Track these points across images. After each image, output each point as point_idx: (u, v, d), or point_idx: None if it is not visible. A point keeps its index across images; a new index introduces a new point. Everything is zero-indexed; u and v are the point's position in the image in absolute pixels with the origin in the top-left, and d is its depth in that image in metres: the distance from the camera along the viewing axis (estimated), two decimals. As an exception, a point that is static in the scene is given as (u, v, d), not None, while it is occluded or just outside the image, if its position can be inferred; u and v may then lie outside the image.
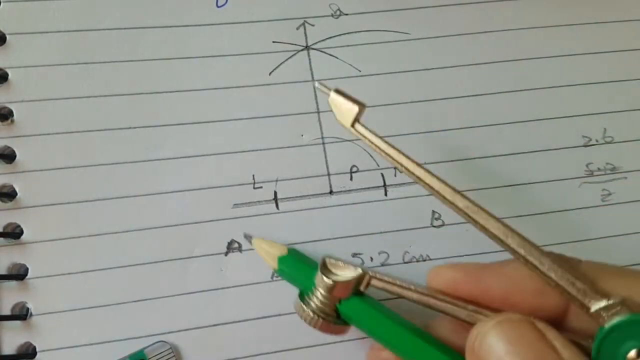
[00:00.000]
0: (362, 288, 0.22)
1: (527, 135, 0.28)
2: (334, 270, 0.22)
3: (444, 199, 0.21)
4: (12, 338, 0.25)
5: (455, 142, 0.28)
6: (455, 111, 0.28)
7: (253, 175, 0.27)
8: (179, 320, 0.26)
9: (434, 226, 0.27)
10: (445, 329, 0.22)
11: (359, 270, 0.22)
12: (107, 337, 0.25)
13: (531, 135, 0.28)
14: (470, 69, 0.29)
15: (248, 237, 0.26)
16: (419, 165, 0.22)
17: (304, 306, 0.23)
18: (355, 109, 0.22)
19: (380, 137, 0.22)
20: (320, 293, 0.22)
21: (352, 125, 0.22)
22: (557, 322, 0.20)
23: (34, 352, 0.25)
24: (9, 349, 0.25)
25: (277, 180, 0.27)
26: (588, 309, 0.19)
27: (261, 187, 0.27)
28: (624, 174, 0.29)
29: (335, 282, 0.22)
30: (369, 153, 0.28)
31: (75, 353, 0.25)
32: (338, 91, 0.22)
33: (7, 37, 0.26)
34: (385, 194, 0.27)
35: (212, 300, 0.26)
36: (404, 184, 0.28)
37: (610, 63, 0.29)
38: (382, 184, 0.27)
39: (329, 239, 0.27)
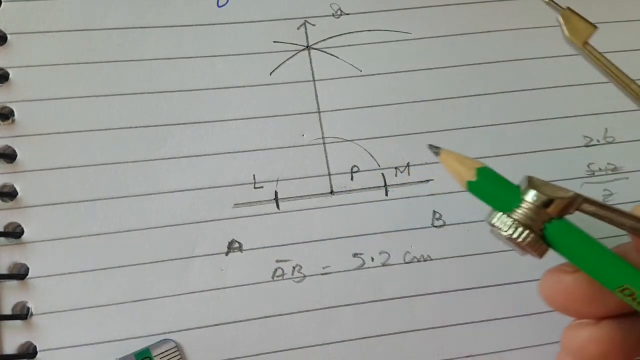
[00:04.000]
0: (572, 211, 0.21)
1: (528, 136, 0.28)
2: (542, 189, 0.21)
3: None
4: (13, 338, 0.25)
5: (457, 142, 0.28)
6: (456, 111, 0.28)
7: (254, 175, 0.27)
8: (180, 320, 0.26)
9: (435, 226, 0.27)
10: (637, 255, 0.21)
11: (571, 192, 0.21)
12: (107, 337, 0.25)
13: (532, 136, 0.28)
14: (471, 69, 0.29)
15: (435, 149, 0.23)
16: None
17: (507, 220, 0.21)
18: (590, 28, 0.22)
19: (610, 61, 0.22)
20: (529, 209, 0.21)
21: (584, 45, 0.22)
22: None
23: (34, 352, 0.25)
24: (10, 348, 0.25)
25: (277, 180, 0.27)
26: None
27: (262, 187, 0.27)
28: (626, 174, 0.29)
29: (552, 198, 0.21)
30: (369, 153, 0.28)
31: (76, 353, 0.25)
32: (570, 9, 0.23)
33: (8, 37, 0.26)
34: (386, 194, 0.27)
35: (212, 299, 0.26)
36: (404, 184, 0.28)
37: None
38: (383, 184, 0.27)
39: (330, 239, 0.27)
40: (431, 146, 0.23)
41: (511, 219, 0.21)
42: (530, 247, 0.21)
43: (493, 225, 0.22)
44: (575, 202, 0.21)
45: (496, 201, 0.22)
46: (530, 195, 0.21)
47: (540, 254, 0.21)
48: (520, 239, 0.21)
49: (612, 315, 0.21)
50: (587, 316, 0.22)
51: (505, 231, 0.21)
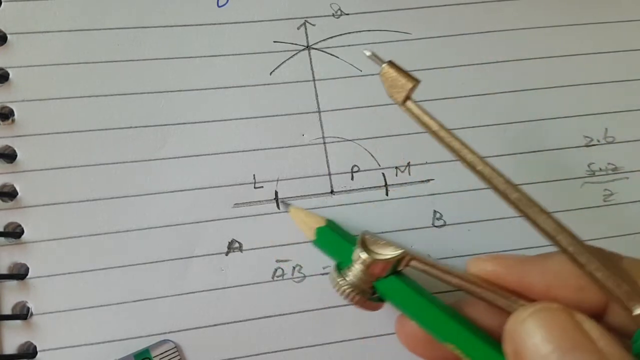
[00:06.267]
0: (400, 268, 0.22)
1: (528, 136, 0.28)
2: (372, 248, 0.22)
3: (495, 188, 0.20)
4: (13, 337, 0.25)
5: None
6: (457, 111, 0.28)
7: (254, 175, 0.27)
8: (180, 320, 0.26)
9: (435, 226, 0.27)
10: (477, 309, 0.22)
11: (399, 250, 0.22)
12: (107, 337, 0.25)
13: (533, 136, 0.28)
14: (471, 69, 0.29)
15: (285, 205, 0.26)
16: (472, 151, 0.21)
17: (339, 281, 0.22)
18: (408, 84, 0.21)
19: (433, 118, 0.21)
20: (357, 269, 0.22)
21: (404, 103, 0.21)
22: (596, 318, 0.20)
23: (34, 352, 0.25)
24: (10, 348, 0.25)
25: (278, 180, 0.27)
26: (630, 311, 0.19)
27: (262, 187, 0.27)
28: (626, 174, 0.29)
29: (375, 259, 0.22)
30: (370, 153, 0.28)
31: (76, 353, 0.25)
32: (392, 63, 0.21)
33: (8, 36, 0.27)
34: (387, 194, 0.27)
35: (212, 300, 0.26)
36: (405, 183, 0.28)
37: (611, 63, 0.29)
38: (384, 183, 0.27)
39: (330, 239, 0.27)
40: (282, 202, 0.26)
41: (342, 278, 0.22)
42: (359, 305, 0.22)
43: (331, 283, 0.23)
44: (403, 260, 0.22)
45: (336, 258, 0.24)
46: (359, 257, 0.22)
47: (373, 309, 0.23)
48: (349, 300, 0.22)
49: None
50: (434, 359, 0.23)
51: (336, 290, 0.22)
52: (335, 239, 0.24)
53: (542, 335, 0.18)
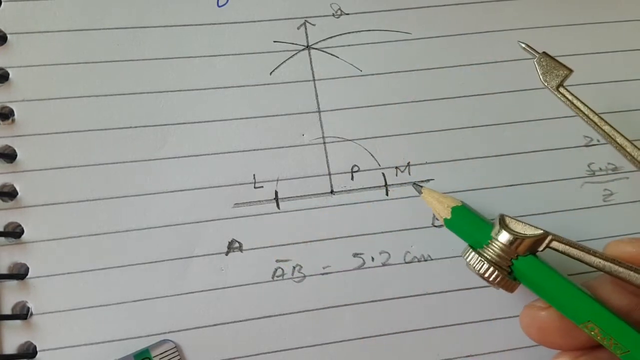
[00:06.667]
0: (540, 248, 0.23)
1: (528, 135, 0.28)
2: (511, 227, 0.23)
3: None
4: (13, 337, 0.25)
5: (457, 142, 0.28)
6: (457, 111, 0.28)
7: (254, 175, 0.27)
8: (179, 320, 0.26)
9: (435, 226, 0.27)
10: (606, 289, 0.23)
11: (540, 230, 0.22)
12: (107, 337, 0.25)
13: (532, 135, 0.28)
14: (471, 69, 0.29)
15: (418, 187, 0.27)
16: (622, 135, 0.23)
17: (479, 259, 0.23)
18: (563, 72, 0.23)
19: (584, 103, 0.23)
20: (497, 247, 0.22)
21: (557, 88, 0.23)
22: None
23: (34, 352, 0.25)
24: (10, 348, 0.25)
25: (278, 180, 0.27)
26: None
27: (262, 187, 0.27)
28: (626, 174, 0.29)
29: (519, 237, 0.22)
30: (370, 153, 0.28)
31: (76, 353, 0.25)
32: (546, 54, 0.24)
33: (8, 36, 0.27)
34: (387, 194, 0.27)
35: (212, 300, 0.26)
36: (405, 183, 0.28)
37: (611, 63, 0.29)
38: (384, 183, 0.27)
39: (330, 239, 0.27)
40: (415, 185, 0.27)
41: (481, 257, 0.23)
42: (498, 284, 0.23)
43: (467, 262, 0.23)
44: (544, 240, 0.22)
45: (470, 238, 0.24)
46: (500, 234, 0.22)
47: (510, 290, 0.23)
48: (489, 278, 0.22)
49: (588, 347, 0.22)
50: (564, 348, 0.23)
51: (476, 269, 0.23)
52: (472, 218, 0.24)
53: None
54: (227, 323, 0.26)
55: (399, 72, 0.28)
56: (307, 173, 0.27)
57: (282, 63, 0.28)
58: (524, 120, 0.28)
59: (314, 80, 0.28)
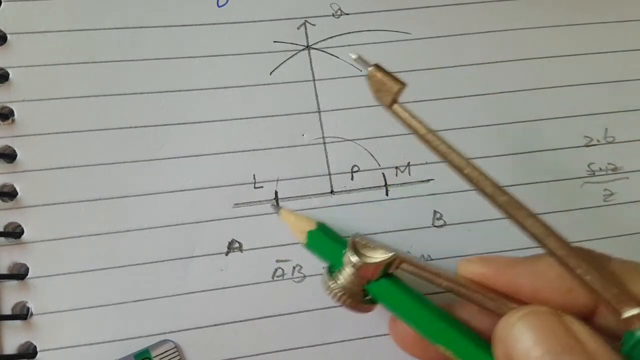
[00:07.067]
0: (391, 271, 0.22)
1: (528, 136, 0.28)
2: (362, 251, 0.22)
3: (483, 192, 0.20)
4: (13, 338, 0.25)
5: (457, 142, 0.28)
6: (456, 111, 0.28)
7: (254, 175, 0.27)
8: (179, 320, 0.26)
9: (436, 226, 0.27)
10: (468, 311, 0.22)
11: (389, 253, 0.22)
12: (107, 337, 0.25)
13: (532, 136, 0.28)
14: (471, 69, 0.29)
15: (276, 209, 0.26)
16: (459, 154, 0.20)
17: (331, 283, 0.23)
18: (395, 87, 0.20)
19: (419, 121, 0.20)
20: (348, 272, 0.22)
21: (391, 106, 0.20)
22: (585, 320, 0.20)
23: (34, 352, 0.25)
24: (10, 348, 0.25)
25: (277, 180, 0.27)
26: (619, 313, 0.19)
27: (262, 187, 0.27)
28: (626, 174, 0.29)
29: (365, 263, 0.22)
30: (370, 153, 0.28)
31: (76, 353, 0.25)
32: (378, 67, 0.20)
33: (8, 36, 0.26)
34: (387, 194, 0.27)
35: (212, 300, 0.26)
36: (405, 183, 0.28)
37: (611, 63, 0.29)
38: (384, 183, 0.27)
39: (330, 239, 0.27)
40: (273, 205, 0.27)
41: (333, 282, 0.23)
42: (350, 308, 0.23)
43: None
44: (393, 263, 0.22)
45: (327, 261, 0.24)
46: (350, 260, 0.22)
47: (364, 312, 0.23)
48: (339, 302, 0.22)
49: None
50: (427, 359, 0.23)
51: (328, 293, 0.23)
52: (326, 243, 0.24)
53: (532, 339, 0.18)
54: (227, 323, 0.26)
55: (399, 72, 0.28)
56: (307, 173, 0.27)
57: (282, 63, 0.28)
58: (524, 120, 0.28)
59: (314, 80, 0.28)
